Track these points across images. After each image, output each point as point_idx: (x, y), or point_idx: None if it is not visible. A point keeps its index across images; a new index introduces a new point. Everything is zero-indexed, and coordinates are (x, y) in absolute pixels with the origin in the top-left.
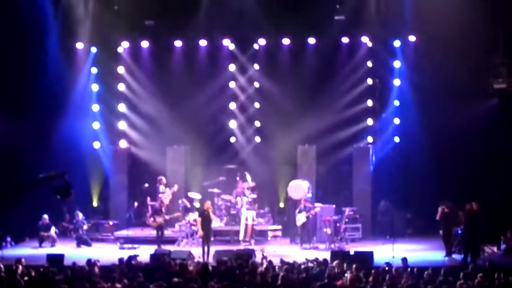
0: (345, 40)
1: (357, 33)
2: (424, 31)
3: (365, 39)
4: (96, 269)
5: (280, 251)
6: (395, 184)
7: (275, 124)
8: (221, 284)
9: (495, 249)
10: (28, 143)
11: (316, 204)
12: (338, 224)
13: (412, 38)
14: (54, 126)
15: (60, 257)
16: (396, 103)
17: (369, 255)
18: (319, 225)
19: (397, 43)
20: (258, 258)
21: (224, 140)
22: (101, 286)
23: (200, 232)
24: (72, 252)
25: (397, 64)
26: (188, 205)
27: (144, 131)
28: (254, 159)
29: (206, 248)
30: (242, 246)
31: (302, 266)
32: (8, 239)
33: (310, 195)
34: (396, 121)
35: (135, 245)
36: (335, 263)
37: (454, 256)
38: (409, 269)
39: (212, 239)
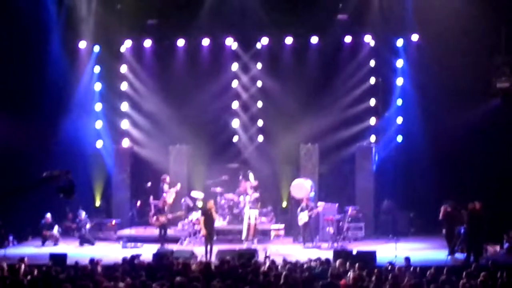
0: (347, 39)
1: (360, 32)
2: (427, 31)
3: (368, 38)
4: (99, 268)
5: (283, 250)
6: (398, 183)
7: (278, 123)
8: (223, 283)
9: (498, 248)
10: (31, 142)
11: (319, 203)
12: (341, 223)
13: (415, 37)
14: (56, 125)
15: (63, 256)
16: (399, 102)
17: (372, 254)
18: (322, 224)
19: (400, 42)
20: (261, 257)
21: (226, 139)
22: (104, 285)
23: (203, 231)
24: (75, 251)
25: (400, 63)
26: (191, 204)
27: (146, 130)
28: (256, 158)
29: (209, 247)
30: (244, 245)
31: (305, 265)
32: (11, 238)
33: (313, 194)
34: (399, 120)
35: (138, 244)
36: (337, 262)
37: (457, 255)
38: (412, 268)
39: (215, 238)
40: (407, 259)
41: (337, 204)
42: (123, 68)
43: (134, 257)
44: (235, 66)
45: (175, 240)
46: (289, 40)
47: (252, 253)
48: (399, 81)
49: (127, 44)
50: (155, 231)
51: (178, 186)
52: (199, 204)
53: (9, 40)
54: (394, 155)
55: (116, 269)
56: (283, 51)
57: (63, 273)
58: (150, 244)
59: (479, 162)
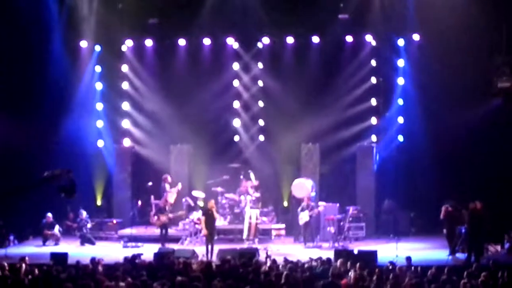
0: (349, 38)
1: (361, 32)
2: (428, 30)
3: (369, 38)
4: (100, 268)
5: (284, 250)
6: (399, 183)
7: (279, 122)
8: (224, 282)
9: (498, 248)
10: (32, 142)
11: (320, 203)
12: (341, 223)
13: (416, 37)
14: (58, 125)
15: (64, 255)
16: (400, 102)
17: (373, 254)
18: (323, 224)
19: (401, 42)
20: (261, 256)
21: (228, 139)
22: (105, 285)
23: (204, 231)
24: (76, 251)
25: (401, 63)
26: (192, 204)
27: (147, 130)
28: (257, 158)
29: (209, 247)
30: (245, 245)
31: (306, 265)
32: (11, 237)
33: (314, 193)
34: (400, 120)
35: (139, 244)
36: (338, 262)
37: (458, 255)
38: (412, 268)
39: (215, 237)
40: (408, 259)
41: (338, 204)
42: (124, 68)
43: (135, 256)
44: (236, 66)
45: (176, 239)
46: (290, 40)
47: (253, 252)
48: (400, 81)
49: (128, 43)
50: (156, 231)
51: (179, 185)
52: (200, 203)
53: (11, 40)
54: (395, 155)
55: (117, 269)
56: (284, 51)
57: (64, 273)
58: (151, 243)
59: (480, 162)
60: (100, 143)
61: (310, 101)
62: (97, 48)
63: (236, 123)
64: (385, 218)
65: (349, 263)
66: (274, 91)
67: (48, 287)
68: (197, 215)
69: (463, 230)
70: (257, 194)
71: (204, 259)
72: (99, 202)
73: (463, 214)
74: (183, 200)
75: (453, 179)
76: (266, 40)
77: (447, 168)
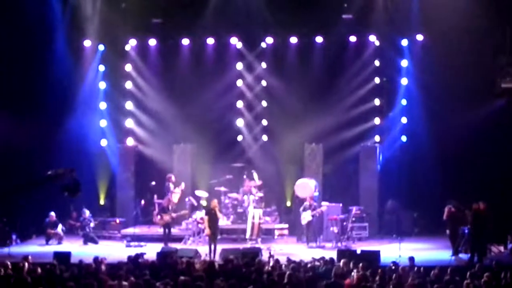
0: (352, 39)
1: (364, 32)
2: (432, 31)
3: (372, 38)
4: (103, 267)
5: (287, 250)
6: (402, 183)
7: (282, 122)
8: (227, 282)
9: (501, 248)
10: (35, 141)
11: (323, 203)
12: (345, 223)
13: (419, 37)
14: (61, 124)
15: (67, 254)
16: (404, 102)
17: (376, 254)
18: (326, 224)
19: (404, 42)
20: (264, 256)
21: (231, 139)
22: (108, 284)
23: (207, 230)
24: (79, 250)
25: (404, 63)
26: (195, 203)
27: (151, 129)
28: (261, 158)
29: (212, 246)
30: (248, 245)
31: (309, 265)
32: (14, 236)
33: (317, 193)
34: (404, 120)
35: (142, 243)
36: (341, 262)
37: (461, 255)
38: (415, 268)
39: (218, 237)
40: (411, 259)
41: (341, 204)
42: (128, 67)
43: (138, 256)
44: (239, 66)
45: (179, 239)
46: (293, 40)
47: (256, 252)
48: (404, 81)
49: (132, 43)
50: (159, 230)
51: (182, 185)
52: (203, 203)
53: (14, 39)
54: (398, 155)
55: (120, 268)
56: (288, 51)
57: (67, 272)
58: (154, 243)
59: (483, 162)
60: (104, 143)
61: (313, 101)
62: (101, 47)
63: (240, 122)
64: (388, 218)
65: (352, 263)
66: (277, 91)
67: (51, 286)
68: (200, 214)
69: (466, 231)
70: (260, 194)
71: (207, 258)
72: (102, 201)
73: (466, 215)
74: (186, 199)
75: (456, 180)
76: (269, 40)
77: (450, 168)
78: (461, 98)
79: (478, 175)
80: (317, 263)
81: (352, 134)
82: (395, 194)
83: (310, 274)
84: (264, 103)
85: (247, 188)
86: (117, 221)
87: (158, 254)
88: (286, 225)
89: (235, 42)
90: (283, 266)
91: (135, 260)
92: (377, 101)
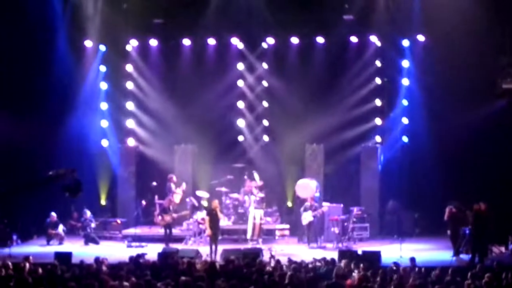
0: (353, 39)
1: (365, 33)
2: (433, 31)
3: (373, 39)
4: (104, 267)
5: (288, 250)
6: (403, 184)
7: (283, 123)
8: (228, 283)
9: (503, 249)
10: (36, 141)
11: (324, 204)
12: (346, 224)
13: (420, 38)
14: (62, 124)
15: (68, 255)
16: (405, 102)
17: (377, 254)
18: (327, 224)
19: (405, 43)
20: (265, 257)
21: (232, 139)
22: (109, 284)
23: (208, 231)
24: (80, 250)
25: (405, 63)
26: (196, 204)
27: (152, 130)
28: (262, 158)
29: (213, 247)
30: (249, 245)
31: (310, 265)
32: (15, 237)
33: (318, 194)
34: (405, 120)
35: (143, 244)
36: (342, 262)
37: (462, 256)
38: (416, 268)
39: (219, 237)
40: (412, 260)
41: (342, 205)
42: (129, 67)
43: (139, 256)
44: (240, 66)
45: (180, 239)
46: (294, 40)
47: (257, 252)
48: (405, 82)
49: (133, 43)
50: (160, 231)
51: (184, 185)
52: (204, 203)
53: (15, 39)
54: (400, 155)
55: (121, 268)
56: (289, 51)
57: (68, 272)
58: (155, 243)
59: (484, 163)
60: (105, 143)
61: (314, 102)
62: (102, 47)
63: (241, 123)
64: (389, 218)
65: (353, 264)
66: (278, 91)
67: (52, 286)
68: (201, 215)
69: (467, 231)
70: (261, 194)
71: (208, 259)
72: (103, 202)
73: (467, 215)
74: (187, 200)
75: (457, 180)
76: (270, 40)
77: (451, 169)
78: (462, 98)
79: (479, 175)
80: (318, 264)
81: (353, 134)
82: (396, 195)
83: (311, 274)
84: (265, 104)
85: (248, 189)
86: (118, 221)
87: (159, 254)
88: (287, 226)
89: (236, 42)
90: (284, 266)
91: (136, 260)
92: (378, 102)
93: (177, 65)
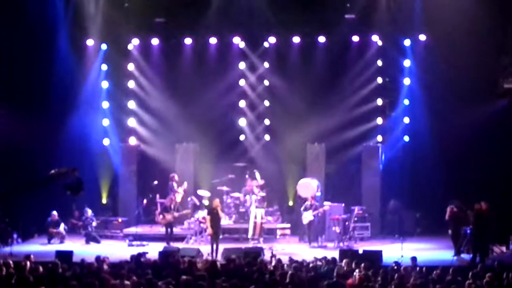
0: (355, 38)
1: (367, 32)
2: (434, 31)
3: (375, 38)
4: (105, 266)
5: (289, 249)
6: (404, 183)
7: (285, 122)
8: (229, 282)
9: (504, 248)
10: (38, 140)
11: (325, 203)
12: (347, 223)
13: (422, 37)
14: (64, 123)
15: (69, 253)
16: (406, 102)
17: (378, 254)
18: (328, 223)
19: (407, 42)
20: (267, 256)
21: (233, 138)
22: (110, 283)
23: (209, 230)
24: (81, 249)
25: (407, 63)
26: (197, 203)
27: (153, 128)
28: (263, 157)
29: (214, 246)
30: (250, 244)
31: (311, 265)
32: (16, 235)
33: (319, 193)
34: (406, 120)
35: (144, 242)
36: (343, 262)
37: (463, 255)
38: (417, 268)
39: (221, 237)
40: (413, 259)
41: (343, 204)
42: (131, 66)
43: (140, 255)
44: (242, 65)
45: (181, 238)
46: (296, 39)
47: (258, 252)
48: (406, 81)
49: (135, 42)
50: (161, 230)
51: (185, 184)
52: (205, 202)
53: (17, 38)
54: (401, 155)
55: (122, 267)
56: (291, 50)
57: (69, 271)
58: (156, 242)
59: (485, 162)
60: (106, 142)
61: (316, 101)
62: (103, 46)
63: (242, 122)
64: (390, 218)
65: (354, 263)
66: (280, 91)
67: (53, 285)
68: (202, 214)
69: (468, 231)
70: (263, 194)
71: (209, 258)
72: (104, 201)
73: (468, 215)
74: (189, 199)
75: (458, 180)
76: (272, 39)
77: (452, 168)
78: (463, 98)
79: (480, 175)
80: (319, 263)
81: (355, 134)
82: (397, 194)
83: (312, 274)
84: (266, 103)
85: (249, 188)
86: (119, 220)
87: (160, 253)
88: (288, 225)
89: (238, 41)
90: (285, 265)
91: (137, 259)
92: (379, 101)
93: (179, 64)
